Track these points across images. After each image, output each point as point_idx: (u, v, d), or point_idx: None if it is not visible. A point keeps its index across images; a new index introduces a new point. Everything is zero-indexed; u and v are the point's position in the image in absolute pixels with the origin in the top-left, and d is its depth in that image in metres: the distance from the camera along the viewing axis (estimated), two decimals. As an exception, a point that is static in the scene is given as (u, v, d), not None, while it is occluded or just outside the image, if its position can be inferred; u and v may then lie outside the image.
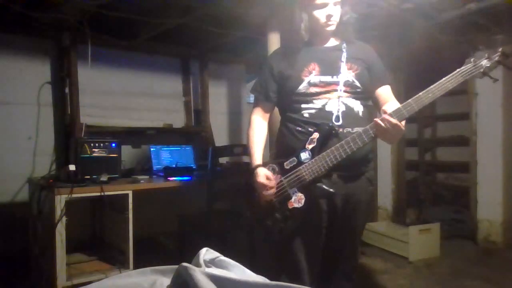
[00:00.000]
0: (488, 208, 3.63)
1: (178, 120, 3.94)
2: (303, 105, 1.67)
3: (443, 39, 3.40)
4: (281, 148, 1.76)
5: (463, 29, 3.38)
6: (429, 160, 5.39)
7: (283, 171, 1.65)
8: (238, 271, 0.86)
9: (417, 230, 3.37)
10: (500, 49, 1.47)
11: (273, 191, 1.64)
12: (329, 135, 1.59)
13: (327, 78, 1.66)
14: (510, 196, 3.60)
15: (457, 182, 5.00)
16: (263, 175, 1.64)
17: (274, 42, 2.79)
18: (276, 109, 1.87)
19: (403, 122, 1.51)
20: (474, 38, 3.55)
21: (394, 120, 1.46)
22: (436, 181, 5.33)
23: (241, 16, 2.95)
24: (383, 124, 1.47)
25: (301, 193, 1.61)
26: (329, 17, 1.66)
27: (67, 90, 3.14)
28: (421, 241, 3.34)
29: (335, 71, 1.66)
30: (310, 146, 1.60)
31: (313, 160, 1.59)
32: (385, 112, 1.51)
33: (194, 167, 3.26)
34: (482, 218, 3.66)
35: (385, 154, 4.25)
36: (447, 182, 5.21)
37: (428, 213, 4.75)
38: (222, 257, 0.88)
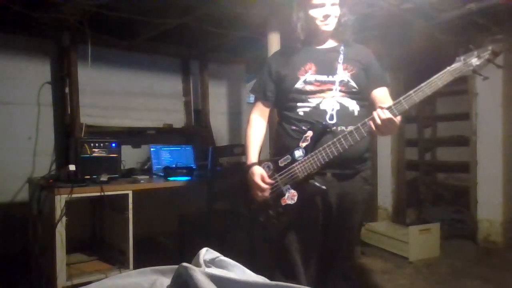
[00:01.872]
0: (488, 208, 3.62)
1: (178, 120, 3.94)
2: (298, 104, 1.69)
3: (443, 39, 3.39)
4: (277, 147, 1.78)
5: (463, 29, 3.38)
6: (429, 160, 5.38)
7: (277, 169, 1.67)
8: (238, 271, 0.86)
9: (417, 230, 3.36)
10: (490, 47, 1.47)
11: (266, 193, 1.66)
12: (322, 133, 1.61)
13: (323, 78, 1.68)
14: (510, 196, 3.59)
15: (457, 182, 4.99)
16: (259, 174, 1.67)
17: (274, 42, 2.79)
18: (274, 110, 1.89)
19: (399, 118, 1.53)
20: (474, 38, 3.55)
21: (387, 115, 1.48)
22: (436, 181, 5.33)
23: (241, 16, 2.95)
24: (379, 117, 1.49)
25: (294, 190, 1.63)
26: (326, 17, 1.67)
27: (67, 90, 3.15)
28: (421, 241, 3.34)
29: (331, 71, 1.68)
30: (304, 144, 1.62)
31: (306, 157, 1.61)
32: (380, 108, 1.52)
33: (194, 167, 3.26)
34: (482, 218, 3.66)
35: (385, 154, 4.25)
36: (447, 182, 5.21)
37: (428, 213, 4.75)
38: (222, 257, 0.88)
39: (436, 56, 3.72)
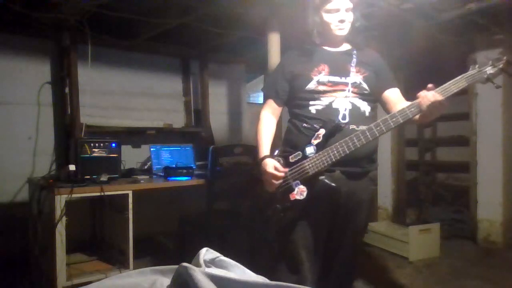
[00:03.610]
0: (488, 208, 3.62)
1: (178, 120, 3.94)
2: (311, 102, 1.71)
3: (443, 39, 3.39)
4: (288, 144, 1.78)
5: (463, 29, 3.38)
6: (429, 160, 5.39)
7: (288, 164, 1.68)
8: (238, 271, 0.86)
9: (417, 230, 3.36)
10: (505, 57, 1.50)
11: (280, 181, 1.66)
12: (334, 132, 1.62)
13: (336, 79, 1.70)
14: (510, 196, 3.59)
15: (457, 182, 4.99)
16: (272, 165, 1.67)
17: (274, 42, 2.79)
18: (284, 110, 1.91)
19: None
20: (474, 38, 3.55)
21: (440, 97, 1.50)
22: (436, 181, 5.33)
23: (241, 16, 2.95)
24: (430, 99, 1.50)
25: (304, 186, 1.63)
26: (341, 21, 1.70)
27: (67, 90, 3.15)
28: (421, 241, 3.34)
29: (344, 73, 1.71)
30: (316, 142, 1.63)
31: (317, 154, 1.62)
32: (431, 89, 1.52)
33: (194, 167, 3.26)
34: (482, 218, 3.66)
35: (385, 154, 4.24)
36: (447, 182, 5.21)
37: (428, 213, 4.75)
38: (222, 257, 0.88)
39: (436, 56, 3.73)
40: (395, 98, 1.75)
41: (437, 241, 3.43)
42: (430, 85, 1.52)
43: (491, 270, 3.03)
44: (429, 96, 1.50)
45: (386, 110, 1.76)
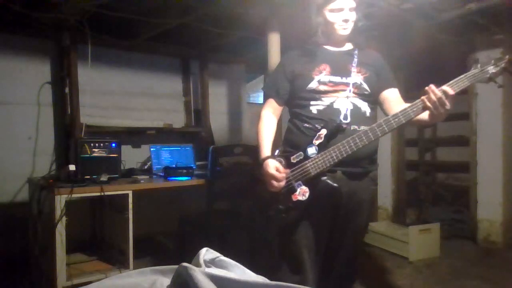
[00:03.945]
0: (488, 208, 3.62)
1: (178, 120, 3.94)
2: (311, 102, 1.70)
3: (443, 39, 3.40)
4: (288, 144, 1.78)
5: (463, 29, 3.38)
6: (429, 160, 5.39)
7: (289, 165, 1.67)
8: (238, 271, 0.86)
9: (417, 230, 3.36)
10: (507, 57, 1.50)
11: (282, 183, 1.65)
12: (336, 132, 1.62)
13: (337, 79, 1.70)
14: (510, 196, 3.59)
15: (457, 182, 4.99)
16: (274, 166, 1.66)
17: (274, 42, 2.79)
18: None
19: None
20: (474, 38, 3.55)
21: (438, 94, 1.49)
22: (436, 181, 5.33)
23: (241, 16, 2.95)
24: (435, 95, 1.48)
25: (306, 186, 1.63)
26: (345, 21, 1.70)
27: (67, 90, 3.15)
28: (421, 241, 3.34)
29: (345, 73, 1.70)
30: (317, 142, 1.63)
31: (318, 155, 1.61)
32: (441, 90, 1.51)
33: (194, 167, 3.26)
34: (482, 218, 3.66)
35: (385, 154, 4.24)
36: (447, 182, 5.21)
37: (428, 213, 4.75)
38: (222, 257, 0.88)
39: (436, 56, 3.73)
40: (394, 98, 1.75)
41: (437, 241, 3.43)
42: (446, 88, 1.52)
43: (491, 270, 3.03)
44: (437, 90, 1.49)
45: (384, 109, 1.76)
